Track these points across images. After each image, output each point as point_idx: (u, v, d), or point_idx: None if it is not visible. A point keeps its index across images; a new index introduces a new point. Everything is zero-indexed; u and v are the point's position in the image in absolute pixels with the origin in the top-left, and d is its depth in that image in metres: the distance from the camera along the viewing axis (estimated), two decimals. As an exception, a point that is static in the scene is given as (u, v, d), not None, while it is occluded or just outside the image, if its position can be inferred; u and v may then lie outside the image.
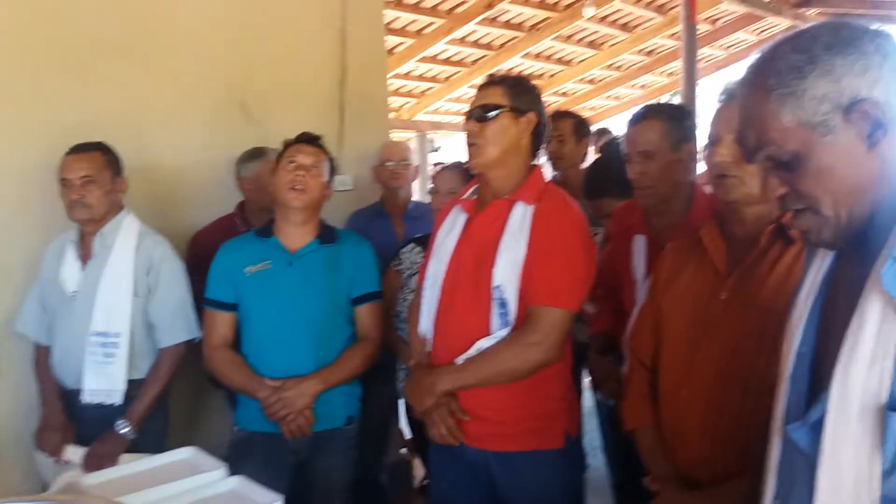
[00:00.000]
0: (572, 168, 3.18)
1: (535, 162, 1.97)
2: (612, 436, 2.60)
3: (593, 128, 8.18)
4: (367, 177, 3.44)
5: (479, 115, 1.87)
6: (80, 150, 2.24)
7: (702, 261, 1.57)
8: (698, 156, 2.05)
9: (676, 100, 8.05)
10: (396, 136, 10.10)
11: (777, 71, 0.93)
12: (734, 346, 1.44)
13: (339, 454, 2.27)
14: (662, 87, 11.40)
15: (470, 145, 1.89)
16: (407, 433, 3.60)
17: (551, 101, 10.93)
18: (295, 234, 2.23)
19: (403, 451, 4.11)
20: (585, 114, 11.25)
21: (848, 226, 0.94)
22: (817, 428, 0.92)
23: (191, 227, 2.89)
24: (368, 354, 2.28)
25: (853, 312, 0.90)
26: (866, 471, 0.87)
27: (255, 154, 2.85)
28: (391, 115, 9.14)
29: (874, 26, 0.94)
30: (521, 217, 1.86)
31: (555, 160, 3.31)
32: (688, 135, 2.00)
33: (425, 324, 2.00)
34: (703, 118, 2.01)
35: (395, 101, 9.17)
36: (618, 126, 13.44)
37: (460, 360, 1.85)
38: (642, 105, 2.17)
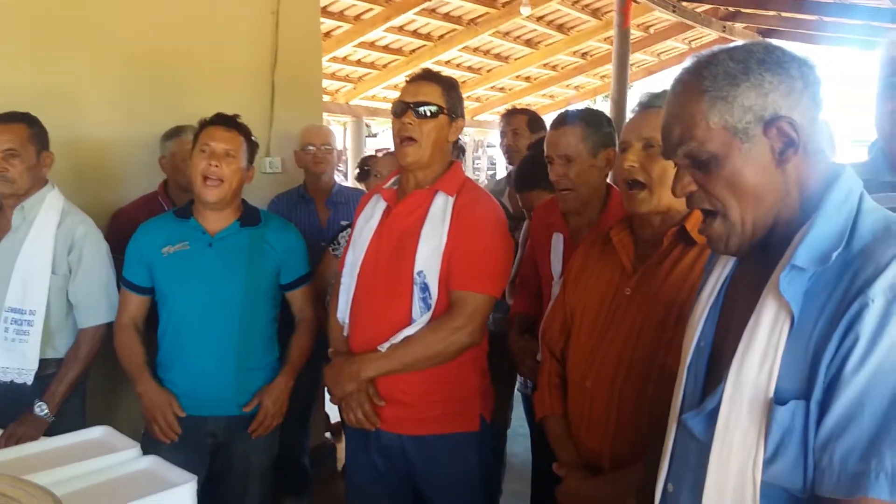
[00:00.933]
0: None
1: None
2: (532, 423, 2.67)
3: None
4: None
5: (417, 109, 1.89)
6: (3, 120, 2.15)
7: (610, 258, 1.65)
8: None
9: (608, 102, 8.27)
10: (336, 119, 10.03)
11: (713, 75, 0.99)
12: (636, 338, 1.51)
13: (259, 438, 2.25)
14: (596, 88, 11.68)
15: (406, 137, 1.90)
16: (333, 417, 3.61)
17: (489, 95, 11.08)
18: (214, 217, 2.19)
19: (328, 434, 4.12)
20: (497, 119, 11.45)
21: (753, 235, 1.01)
22: (711, 417, 0.99)
23: (115, 204, 2.82)
24: (312, 331, 2.33)
25: (751, 312, 0.97)
26: (751, 458, 0.94)
27: (173, 133, 2.80)
28: (327, 99, 9.11)
29: (802, 55, 1.01)
30: (442, 207, 1.90)
31: (510, 154, 3.39)
32: (606, 141, 2.08)
33: (342, 311, 2.02)
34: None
35: (331, 85, 9.08)
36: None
37: (384, 346, 1.87)
38: (563, 109, 2.24)
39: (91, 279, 2.24)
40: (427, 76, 1.96)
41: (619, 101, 7.86)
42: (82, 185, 2.67)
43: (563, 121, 2.09)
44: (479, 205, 1.94)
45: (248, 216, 2.25)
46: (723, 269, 1.13)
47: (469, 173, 11.51)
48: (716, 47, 1.04)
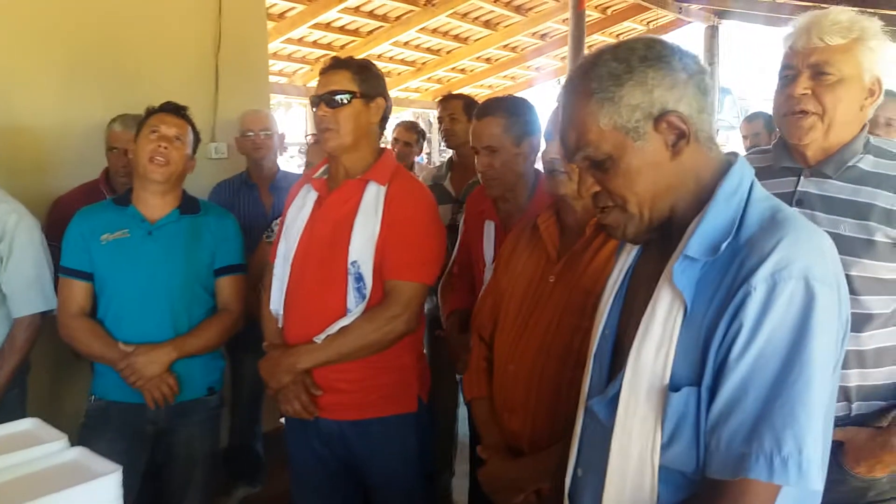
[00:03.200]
0: (465, 146, 3.22)
1: (383, 145, 2.06)
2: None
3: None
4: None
5: (328, 100, 1.90)
6: None
7: (537, 246, 1.68)
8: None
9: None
10: (300, 102, 9.89)
11: (599, 76, 1.01)
12: (557, 324, 1.55)
13: (201, 424, 2.25)
14: (556, 69, 11.70)
15: (323, 130, 1.92)
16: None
17: (449, 76, 11.04)
18: (154, 205, 2.18)
19: (282, 420, 4.12)
20: (483, 92, 11.41)
21: (650, 224, 1.04)
22: (613, 402, 1.02)
23: (54, 192, 2.77)
24: (227, 326, 2.26)
25: (650, 301, 1.00)
26: (650, 443, 0.98)
27: (115, 119, 2.76)
28: (284, 81, 9.00)
29: (684, 48, 1.03)
30: (374, 196, 1.91)
31: (448, 138, 3.43)
32: (528, 129, 2.11)
33: (276, 302, 2.02)
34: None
35: (287, 67, 8.97)
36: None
37: (320, 338, 1.88)
38: (485, 99, 2.26)
39: (24, 268, 2.19)
40: (336, 64, 1.97)
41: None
42: (17, 174, 2.62)
43: (485, 111, 2.11)
44: (411, 194, 1.96)
45: (188, 205, 2.24)
46: (627, 257, 1.16)
47: (435, 154, 11.40)
48: (602, 46, 1.06)
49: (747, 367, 0.90)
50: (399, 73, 10.17)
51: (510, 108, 2.10)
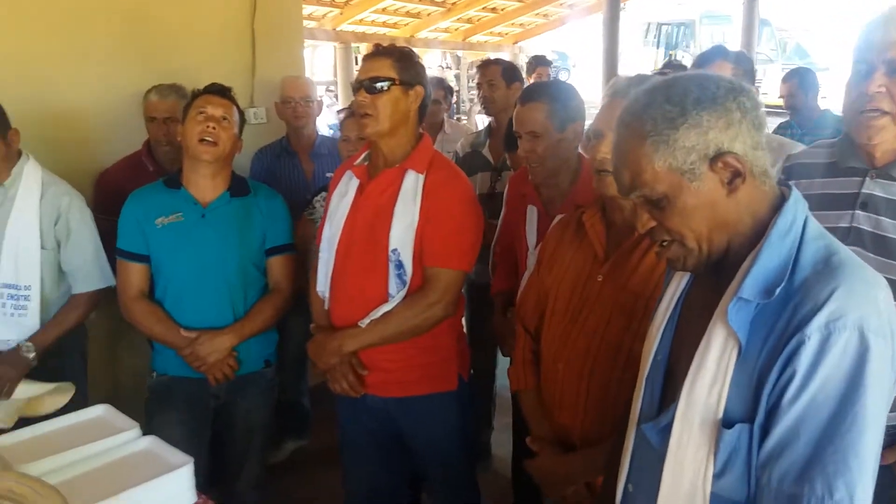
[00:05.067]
0: (503, 112, 3.19)
1: (421, 131, 2.08)
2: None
3: (527, 56, 8.11)
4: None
5: (369, 86, 1.93)
6: None
7: (583, 242, 1.69)
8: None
9: (599, 22, 8.07)
10: (324, 46, 9.76)
11: (652, 119, 1.01)
12: (606, 324, 1.58)
13: (259, 395, 2.36)
14: (591, 6, 11.32)
15: (362, 115, 1.95)
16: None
17: (480, 16, 10.77)
18: (206, 187, 2.22)
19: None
20: (514, 30, 11.13)
21: (709, 257, 1.06)
22: (666, 431, 1.06)
23: (97, 166, 2.82)
24: (279, 306, 2.33)
25: (702, 334, 1.03)
26: (702, 472, 1.02)
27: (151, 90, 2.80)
28: (313, 25, 8.87)
29: (737, 83, 1.03)
30: (413, 185, 1.96)
31: (486, 105, 3.38)
32: (573, 115, 2.10)
33: (322, 284, 2.10)
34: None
35: (317, 11, 8.81)
36: (549, 46, 13.36)
37: (364, 322, 1.96)
38: (530, 84, 2.23)
39: (82, 248, 2.27)
40: (378, 52, 2.00)
41: (612, 20, 7.69)
42: (63, 150, 2.66)
43: (529, 97, 2.11)
44: (449, 183, 2.00)
45: (238, 186, 2.28)
46: (679, 282, 1.19)
47: (465, 104, 11.20)
48: (651, 83, 1.05)
49: (800, 412, 0.93)
50: (429, 14, 9.94)
51: (554, 94, 2.09)
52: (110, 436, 1.66)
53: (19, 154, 2.23)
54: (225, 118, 2.17)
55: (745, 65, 2.24)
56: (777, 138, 2.38)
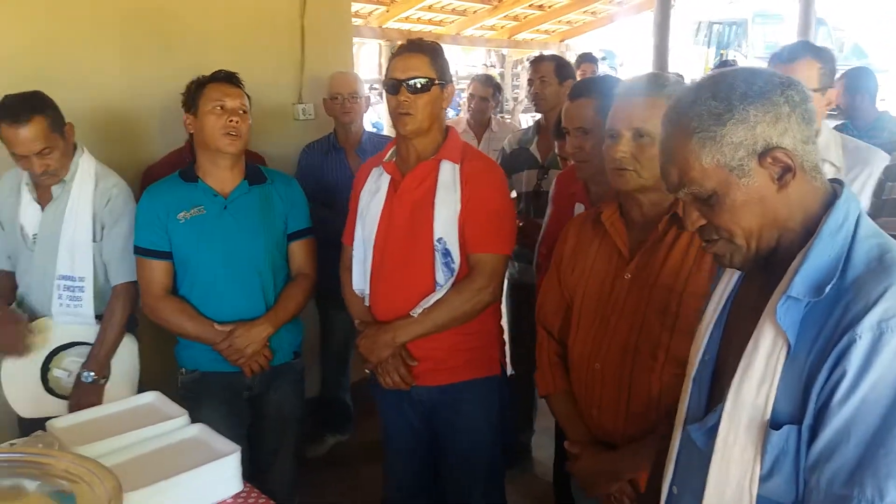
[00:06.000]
0: (553, 110, 3.12)
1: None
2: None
3: (575, 53, 8.04)
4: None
5: (413, 88, 1.96)
6: (19, 119, 2.08)
7: (604, 241, 1.69)
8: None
9: (648, 20, 7.96)
10: (369, 43, 9.84)
11: (699, 115, 1.00)
12: (640, 323, 1.56)
13: (290, 387, 2.37)
14: (640, 3, 11.17)
15: (402, 114, 1.97)
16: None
17: (526, 13, 10.72)
18: (224, 178, 2.22)
19: (368, 371, 4.29)
20: (561, 27, 11.04)
21: (757, 254, 1.04)
22: (712, 432, 1.05)
23: (143, 161, 2.87)
24: (307, 290, 2.33)
25: (751, 334, 1.01)
26: (748, 474, 1.00)
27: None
28: (359, 22, 8.93)
29: (785, 77, 1.01)
30: (450, 174, 2.00)
31: (537, 101, 3.35)
32: None
33: (361, 282, 2.12)
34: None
35: (363, 8, 8.88)
36: (596, 44, 13.21)
37: (416, 312, 1.98)
38: (581, 79, 2.20)
39: (123, 236, 2.29)
40: (412, 48, 2.01)
41: (662, 23, 7.57)
42: (111, 146, 2.70)
43: (578, 93, 2.09)
44: (485, 170, 2.06)
45: (254, 175, 2.28)
46: (728, 281, 1.17)
47: (508, 102, 11.11)
48: (698, 80, 1.04)
49: (850, 413, 0.91)
50: (475, 11, 9.93)
51: (604, 90, 2.07)
52: (160, 422, 1.71)
53: (74, 147, 2.30)
54: (243, 109, 2.16)
55: (831, 65, 2.17)
56: (854, 141, 2.31)
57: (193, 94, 2.18)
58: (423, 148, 2.03)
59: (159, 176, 2.70)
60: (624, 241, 1.64)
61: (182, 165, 2.68)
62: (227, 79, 2.20)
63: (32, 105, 2.12)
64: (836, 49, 16.83)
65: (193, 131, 2.19)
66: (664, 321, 1.53)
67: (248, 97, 2.24)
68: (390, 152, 2.12)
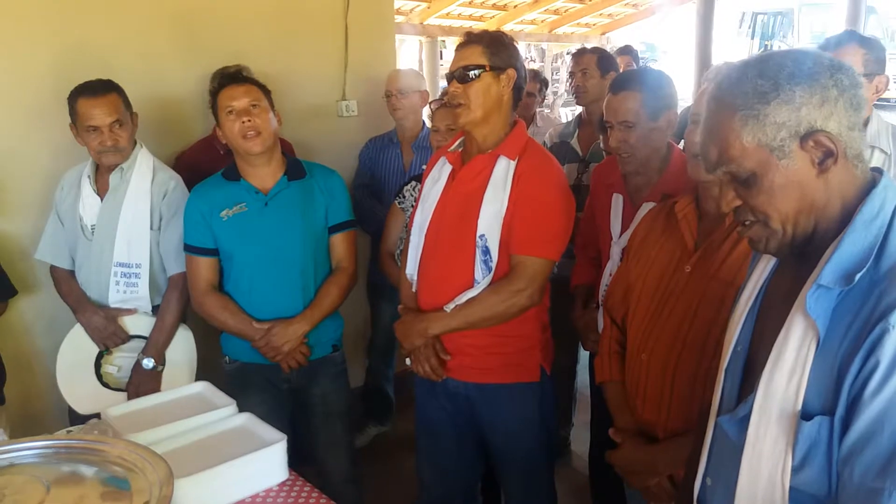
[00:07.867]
0: (595, 103, 3.09)
1: (515, 116, 2.07)
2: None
3: (614, 47, 7.95)
4: (373, 102, 3.48)
5: (461, 75, 1.94)
6: (97, 92, 2.24)
7: (673, 232, 1.67)
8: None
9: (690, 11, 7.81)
10: (410, 40, 9.86)
11: (744, 93, 0.99)
12: (693, 315, 1.55)
13: (330, 380, 2.39)
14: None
15: (455, 105, 1.96)
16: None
17: (567, 7, 10.63)
18: (263, 175, 2.24)
19: (408, 361, 4.32)
20: (602, 21, 10.92)
21: (792, 240, 1.02)
22: (744, 423, 1.04)
23: (175, 149, 2.95)
24: (345, 285, 2.34)
25: (782, 323, 1.00)
26: (780, 465, 1.00)
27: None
28: (401, 19, 8.97)
29: (837, 60, 0.99)
30: (504, 171, 1.96)
31: (578, 94, 3.34)
32: (667, 103, 2.06)
33: (411, 267, 2.14)
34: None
35: (405, 5, 8.91)
36: (637, 37, 13.03)
37: (450, 306, 1.98)
38: (624, 71, 2.17)
39: (178, 228, 2.34)
40: (468, 39, 1.99)
41: (706, 14, 7.43)
42: (144, 135, 2.76)
43: (621, 85, 2.07)
44: (540, 170, 1.98)
45: (294, 170, 2.29)
46: (762, 272, 1.15)
47: (548, 97, 11.11)
48: (746, 59, 1.02)
49: (883, 404, 0.89)
50: (515, 6, 9.88)
51: (646, 82, 2.05)
52: (209, 411, 1.75)
53: (134, 141, 2.37)
54: (253, 105, 2.16)
55: (877, 52, 2.15)
56: None
57: (214, 107, 2.23)
58: (482, 139, 2.00)
59: (190, 161, 2.78)
60: (692, 233, 1.61)
61: (211, 151, 2.75)
62: (232, 78, 2.23)
63: (108, 83, 2.29)
64: (886, 38, 16.34)
65: (224, 140, 2.24)
66: (717, 316, 1.50)
67: (263, 87, 2.24)
68: (458, 142, 2.11)
